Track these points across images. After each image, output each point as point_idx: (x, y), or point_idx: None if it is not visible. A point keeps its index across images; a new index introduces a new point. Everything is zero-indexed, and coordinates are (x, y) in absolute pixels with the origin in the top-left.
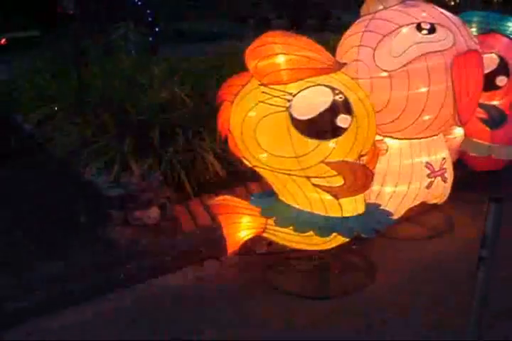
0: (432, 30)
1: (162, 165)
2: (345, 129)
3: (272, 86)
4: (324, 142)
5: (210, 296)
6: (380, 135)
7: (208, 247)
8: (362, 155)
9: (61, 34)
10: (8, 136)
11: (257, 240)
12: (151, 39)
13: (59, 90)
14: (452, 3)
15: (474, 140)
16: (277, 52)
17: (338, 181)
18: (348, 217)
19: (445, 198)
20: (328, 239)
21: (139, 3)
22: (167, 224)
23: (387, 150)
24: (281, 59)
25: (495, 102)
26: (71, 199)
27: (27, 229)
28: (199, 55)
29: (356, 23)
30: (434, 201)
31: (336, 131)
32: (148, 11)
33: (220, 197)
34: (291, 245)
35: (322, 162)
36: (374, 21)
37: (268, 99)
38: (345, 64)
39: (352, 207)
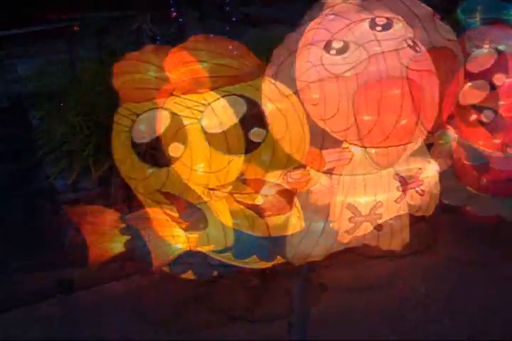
0: (387, 25)
1: None
2: (259, 144)
3: (186, 96)
4: (238, 158)
5: (140, 309)
6: (346, 142)
7: None
8: (289, 171)
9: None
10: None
11: None
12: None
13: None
14: None
15: (471, 145)
16: (191, 59)
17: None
18: (277, 238)
19: (430, 211)
20: None
21: None
22: None
23: (351, 159)
24: (194, 66)
25: (491, 104)
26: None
27: None
28: None
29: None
30: (419, 213)
31: (250, 146)
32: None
33: (141, 211)
34: (228, 261)
35: (237, 179)
36: (328, 16)
37: (181, 110)
38: (268, 70)
39: (281, 224)
